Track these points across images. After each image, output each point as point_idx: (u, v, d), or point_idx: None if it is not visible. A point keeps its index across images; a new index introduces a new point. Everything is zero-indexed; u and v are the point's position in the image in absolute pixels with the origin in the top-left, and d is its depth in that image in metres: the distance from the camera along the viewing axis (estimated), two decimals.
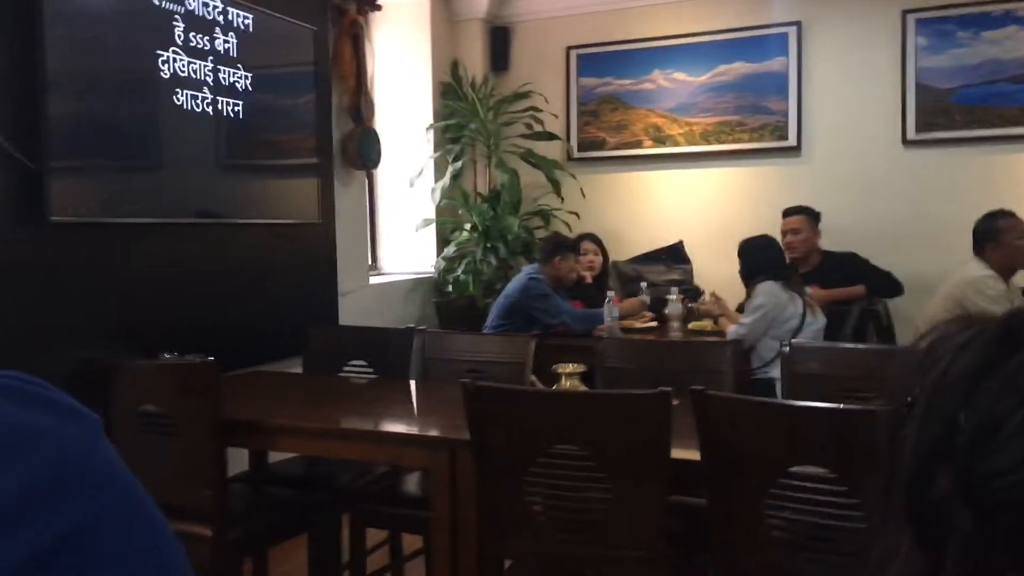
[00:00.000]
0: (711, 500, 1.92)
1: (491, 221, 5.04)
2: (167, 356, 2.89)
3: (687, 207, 5.25)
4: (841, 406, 1.69)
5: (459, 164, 5.12)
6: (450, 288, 5.07)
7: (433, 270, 5.18)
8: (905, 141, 4.66)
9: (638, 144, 5.32)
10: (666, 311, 4.12)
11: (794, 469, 1.76)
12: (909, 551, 0.42)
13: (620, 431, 1.89)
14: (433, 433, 2.36)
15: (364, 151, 4.39)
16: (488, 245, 5.04)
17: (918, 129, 4.63)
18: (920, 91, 4.61)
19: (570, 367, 2.39)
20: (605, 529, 1.94)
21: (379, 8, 4.56)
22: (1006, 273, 3.53)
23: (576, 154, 5.43)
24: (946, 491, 0.38)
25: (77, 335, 2.83)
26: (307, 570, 2.87)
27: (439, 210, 5.20)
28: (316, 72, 4.03)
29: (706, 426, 1.84)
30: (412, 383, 3.09)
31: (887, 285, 4.19)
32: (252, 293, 3.71)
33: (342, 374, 3.27)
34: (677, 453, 1.91)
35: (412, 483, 2.88)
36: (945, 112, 4.57)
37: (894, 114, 4.68)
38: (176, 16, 3.24)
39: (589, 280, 4.77)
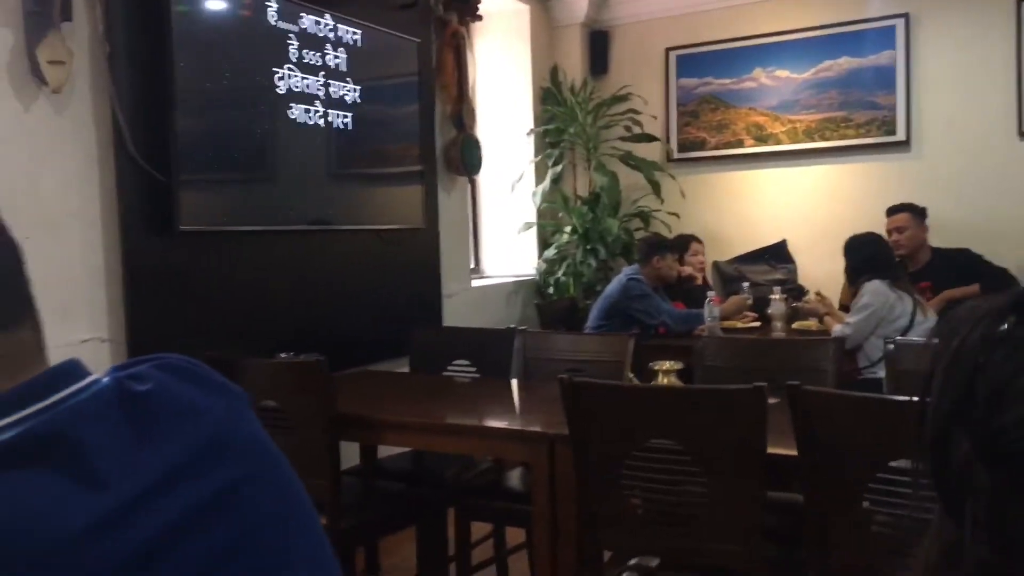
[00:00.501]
0: (808, 496, 1.93)
1: (591, 223, 5.10)
2: (283, 355, 3.08)
3: (790, 206, 5.17)
4: None
5: (559, 168, 5.20)
6: (551, 290, 5.15)
7: (534, 272, 5.27)
8: (1021, 133, 4.48)
9: (739, 143, 5.28)
10: (769, 311, 4.09)
11: (894, 464, 1.76)
12: (940, 521, 0.46)
13: (716, 427, 1.93)
14: (534, 428, 2.44)
15: (466, 157, 4.53)
16: (588, 247, 5.10)
17: None
18: None
19: (667, 364, 2.43)
20: (701, 523, 1.97)
21: (480, 18, 4.69)
22: None
23: (676, 155, 5.43)
24: (966, 454, 0.43)
25: (203, 333, 3.04)
26: (415, 561, 3.00)
27: (540, 213, 5.29)
28: (420, 83, 4.18)
29: (803, 422, 1.85)
30: (514, 382, 3.18)
31: (1002, 282, 4.03)
32: (361, 296, 3.88)
33: (446, 373, 3.39)
34: (774, 449, 1.94)
35: (515, 478, 2.97)
36: None
37: (1009, 106, 4.49)
38: (291, 35, 3.43)
39: (700, 281, 4.77)
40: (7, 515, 0.57)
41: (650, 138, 5.19)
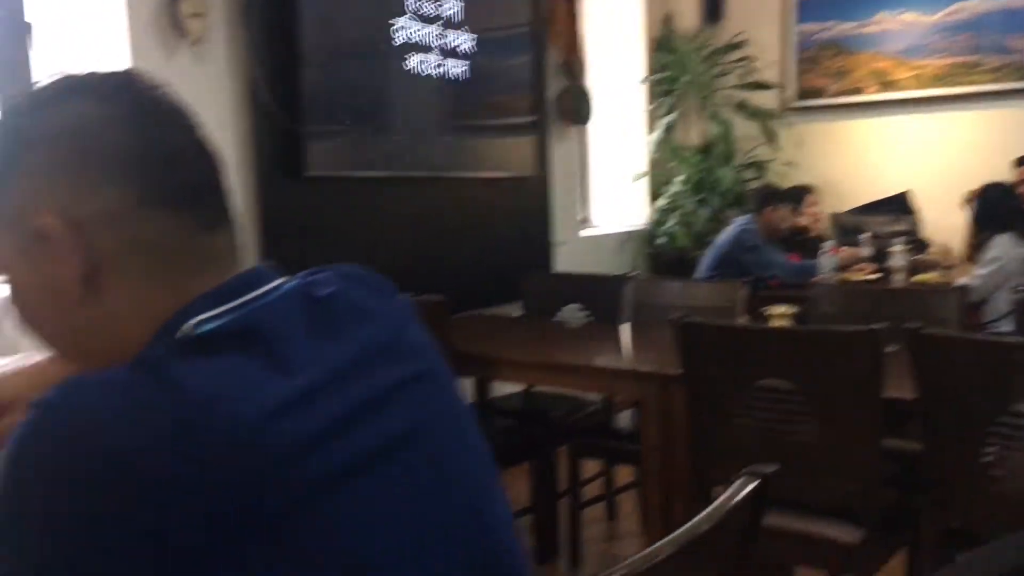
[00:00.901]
0: (927, 443, 1.92)
1: (703, 173, 5.04)
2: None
3: (913, 155, 4.98)
4: None
5: (671, 117, 5.15)
6: (661, 240, 5.14)
7: (644, 223, 5.27)
8: None
9: (861, 90, 5.10)
10: (889, 263, 3.98)
11: (1019, 408, 1.73)
12: None
13: (829, 368, 1.93)
14: (646, 368, 2.49)
15: (577, 107, 4.54)
16: (700, 197, 5.06)
17: None
18: None
19: (781, 309, 2.44)
20: (815, 463, 1.99)
21: None
22: None
23: (793, 103, 5.29)
24: None
25: None
26: (527, 497, 3.11)
27: (651, 164, 5.27)
28: (533, 32, 4.21)
29: (922, 366, 1.84)
30: (625, 326, 3.22)
31: None
32: (475, 243, 3.98)
33: (557, 318, 3.46)
34: (891, 394, 1.93)
35: (624, 419, 3.04)
36: None
37: None
38: None
39: (815, 232, 4.68)
40: (214, 390, 0.66)
41: (766, 86, 5.08)
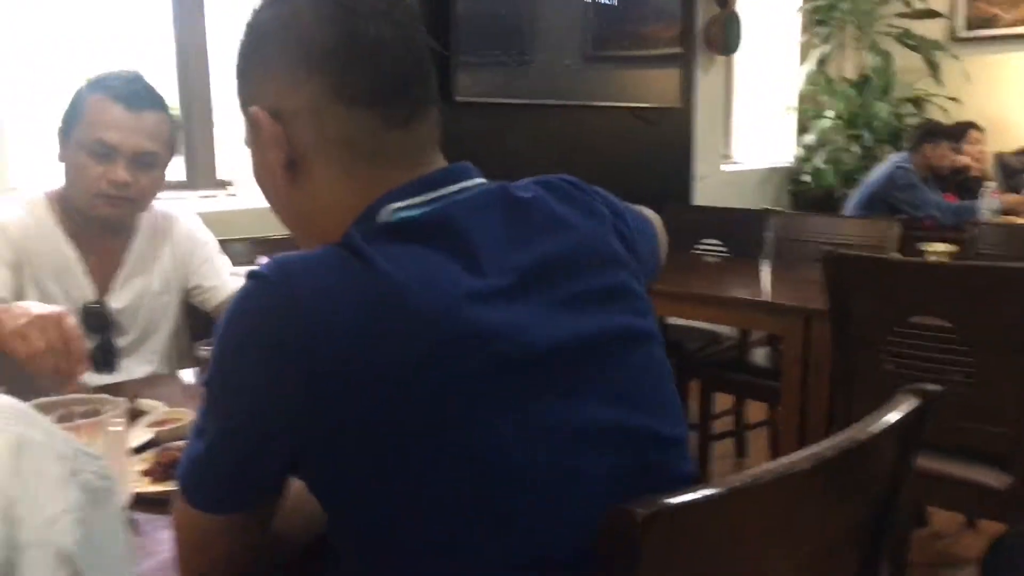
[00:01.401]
0: None
1: (857, 108, 4.80)
2: None
3: None
4: None
5: (827, 48, 4.90)
6: (807, 178, 4.95)
7: (790, 160, 5.08)
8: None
9: None
10: None
11: None
12: None
13: (987, 307, 1.85)
14: (788, 302, 2.44)
15: (726, 36, 4.38)
16: (852, 133, 4.82)
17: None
18: None
19: (940, 247, 2.33)
20: (965, 404, 1.92)
21: None
22: None
23: (961, 33, 4.93)
24: None
25: None
26: None
27: (801, 97, 5.05)
28: None
29: None
30: (765, 263, 3.16)
31: None
32: (615, 172, 3.95)
33: (695, 251, 3.42)
34: None
35: (759, 355, 3.00)
36: None
37: None
38: None
39: (978, 173, 4.40)
40: (409, 274, 0.70)
41: (932, 14, 4.75)
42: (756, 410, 3.20)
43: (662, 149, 4.21)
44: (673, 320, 3.33)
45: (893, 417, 0.84)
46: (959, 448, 1.96)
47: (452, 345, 0.69)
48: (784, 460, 0.73)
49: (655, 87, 4.10)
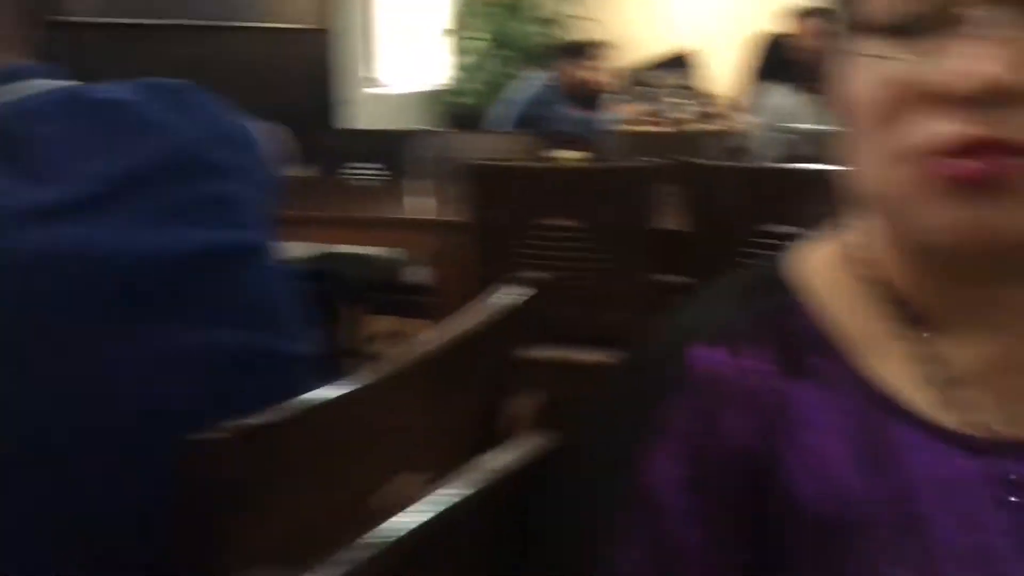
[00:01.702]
0: (690, 272, 2.00)
1: (505, 28, 4.93)
2: None
3: (702, 13, 5.10)
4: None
5: None
6: (464, 99, 5.02)
7: (445, 82, 5.12)
8: None
9: None
10: (674, 114, 4.12)
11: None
12: None
13: (609, 203, 1.97)
14: (439, 217, 2.44)
15: None
16: (503, 54, 4.95)
17: None
18: None
19: (569, 154, 2.45)
20: (593, 296, 2.04)
21: None
22: None
23: None
24: None
25: None
26: None
27: (450, 19, 5.08)
28: None
29: (690, 195, 1.90)
30: (420, 181, 3.14)
31: None
32: (249, 99, 3.72)
33: (342, 175, 3.32)
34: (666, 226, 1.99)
35: (419, 274, 3.01)
36: None
37: None
38: None
39: (611, 88, 4.71)
40: None
41: None
42: (423, 326, 3.22)
43: (306, 73, 4.03)
44: (327, 247, 3.23)
45: (501, 304, 0.82)
46: (591, 338, 2.08)
47: (8, 272, 0.61)
48: (392, 358, 0.69)
49: (292, 6, 3.89)
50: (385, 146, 3.34)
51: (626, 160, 2.78)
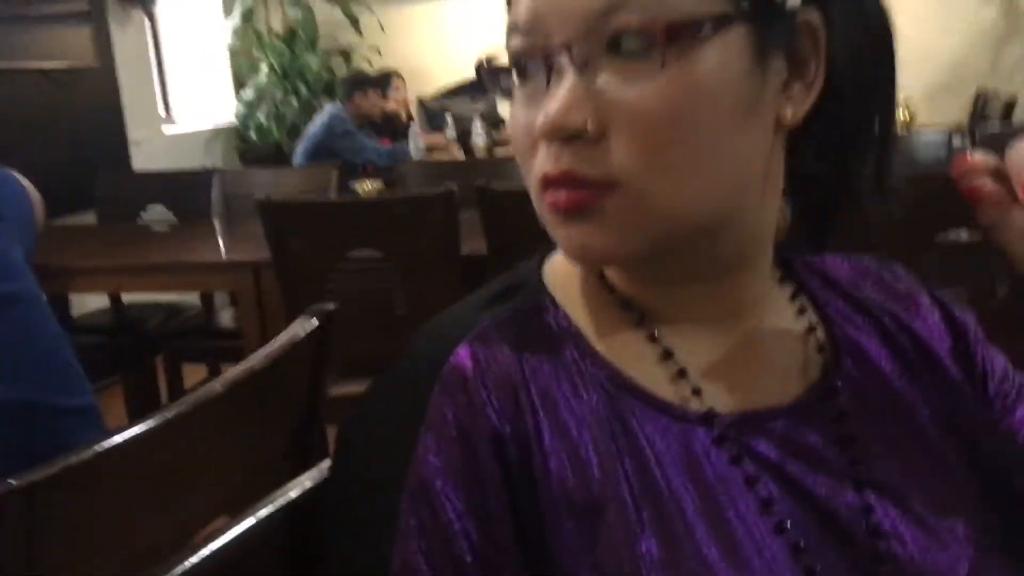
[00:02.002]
0: None
1: (289, 61, 4.88)
2: None
3: (485, 35, 5.25)
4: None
5: (249, 2, 4.88)
6: (253, 135, 4.93)
7: (233, 118, 5.00)
8: None
9: None
10: (472, 142, 4.22)
11: None
12: None
13: (410, 232, 2.00)
14: (236, 258, 2.38)
15: None
16: (288, 86, 4.90)
17: None
18: None
19: (368, 184, 2.46)
20: (410, 325, 2.07)
21: None
22: None
23: None
24: None
25: None
26: (127, 416, 2.88)
27: (232, 52, 4.97)
28: None
29: (487, 220, 1.97)
30: (216, 221, 3.05)
31: None
32: (30, 144, 3.48)
33: (140, 221, 3.18)
34: (469, 251, 2.05)
35: (225, 317, 2.92)
36: None
37: None
38: None
39: (405, 117, 4.77)
40: None
41: None
42: None
43: (87, 114, 3.81)
44: (128, 296, 3.07)
45: (295, 337, 0.83)
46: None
47: None
48: (180, 403, 0.68)
49: (66, 45, 3.67)
50: (178, 187, 3.22)
51: (425, 188, 2.84)
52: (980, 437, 0.57)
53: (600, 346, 0.53)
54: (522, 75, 0.50)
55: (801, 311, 0.58)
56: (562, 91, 0.46)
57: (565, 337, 0.53)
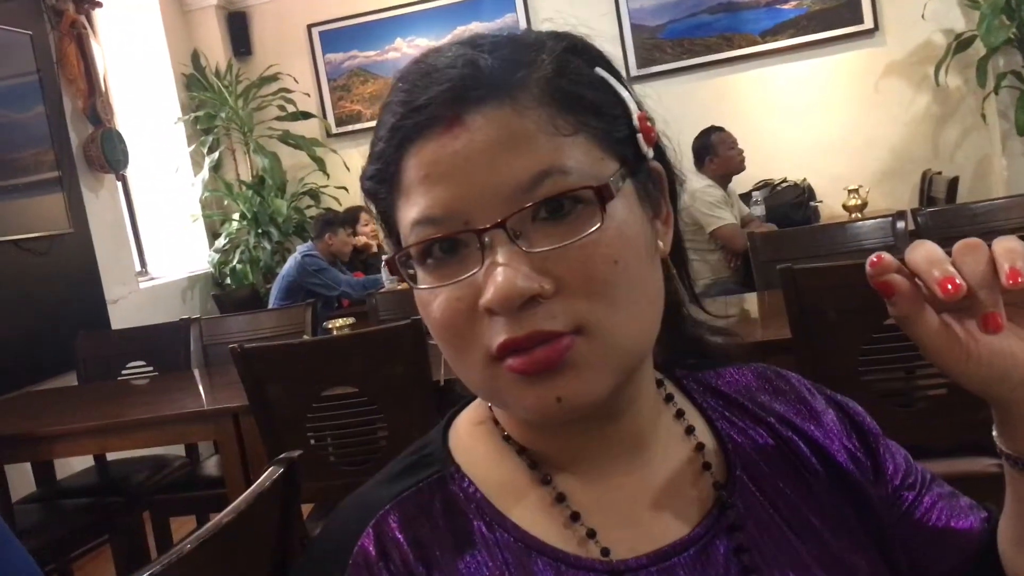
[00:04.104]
0: None
1: (259, 207, 5.04)
2: None
3: None
4: None
5: (215, 155, 5.07)
6: (228, 281, 5.03)
7: (207, 266, 5.11)
8: (630, 78, 5.09)
9: None
10: None
11: None
12: None
13: (382, 364, 2.06)
14: (215, 406, 2.42)
15: (109, 153, 4.25)
16: (260, 231, 5.04)
17: (639, 65, 5.08)
18: (635, 31, 5.05)
19: (339, 322, 2.53)
20: (393, 455, 2.10)
21: (100, 5, 4.40)
22: (723, 181, 3.99)
23: (335, 130, 5.50)
24: None
25: None
26: (116, 574, 2.85)
27: (204, 204, 5.13)
28: (42, 80, 3.87)
29: None
30: (195, 371, 3.10)
31: None
32: (10, 312, 3.55)
33: (121, 378, 3.22)
34: (440, 375, 2.10)
35: (210, 465, 2.92)
36: (658, 48, 5.05)
37: (617, 54, 5.08)
38: None
39: (376, 248, 4.89)
40: None
41: (306, 115, 5.22)
42: None
43: (64, 279, 3.90)
44: (113, 455, 3.08)
45: (261, 487, 0.88)
46: None
47: None
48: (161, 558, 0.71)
49: (39, 215, 3.79)
50: (156, 341, 3.28)
51: (396, 318, 2.91)
52: (885, 530, 0.60)
53: (505, 506, 0.56)
54: (437, 259, 0.51)
55: (688, 430, 0.62)
56: (505, 262, 0.48)
57: (470, 506, 0.56)
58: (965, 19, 4.68)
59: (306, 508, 2.36)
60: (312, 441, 2.15)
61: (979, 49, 4.40)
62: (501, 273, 0.48)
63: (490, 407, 0.61)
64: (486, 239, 0.49)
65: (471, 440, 0.61)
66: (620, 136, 0.55)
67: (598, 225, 0.50)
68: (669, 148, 0.60)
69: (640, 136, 0.56)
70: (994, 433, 0.54)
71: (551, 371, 0.49)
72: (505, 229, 0.49)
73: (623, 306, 0.50)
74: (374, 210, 0.58)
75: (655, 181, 0.57)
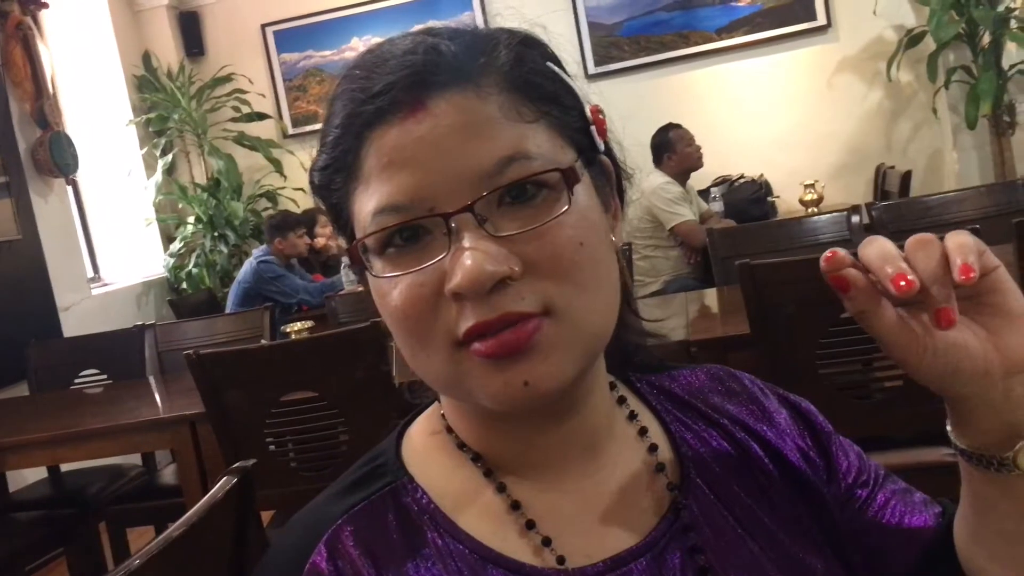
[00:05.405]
0: None
1: (215, 210, 4.96)
2: None
3: None
4: None
5: (169, 157, 4.98)
6: (184, 285, 4.94)
7: (163, 270, 5.02)
8: (588, 76, 5.12)
9: None
10: None
11: None
12: None
13: (342, 367, 2.03)
14: (171, 414, 2.37)
15: (57, 157, 4.15)
16: (216, 234, 4.96)
17: (596, 63, 5.10)
18: (592, 28, 5.07)
19: (298, 325, 2.49)
20: (350, 463, 2.07)
21: (46, 6, 4.30)
22: (682, 178, 4.01)
23: (291, 131, 5.44)
24: None
25: None
26: None
27: (158, 207, 5.04)
28: None
29: None
30: (151, 379, 3.04)
31: None
32: None
33: (74, 387, 3.15)
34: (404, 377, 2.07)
35: (168, 474, 2.87)
36: (615, 45, 5.07)
37: (574, 53, 5.09)
38: None
39: (335, 250, 4.84)
40: None
41: (261, 116, 5.15)
42: None
43: (13, 286, 3.80)
44: (68, 466, 3.01)
45: (214, 499, 0.85)
46: None
47: None
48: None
49: None
50: (110, 348, 3.21)
51: (354, 321, 2.87)
52: (839, 529, 0.60)
53: (459, 516, 0.55)
54: (398, 247, 0.51)
55: (642, 432, 0.61)
56: (472, 246, 0.48)
57: (423, 518, 0.55)
58: (916, 15, 4.76)
59: (266, 516, 2.32)
60: (272, 447, 2.12)
61: (929, 44, 4.48)
62: (470, 256, 0.48)
63: (443, 415, 0.60)
64: (452, 224, 0.49)
65: (425, 450, 0.60)
66: (576, 127, 0.55)
67: (566, 208, 0.50)
68: (616, 145, 0.60)
69: (593, 128, 0.56)
70: (948, 428, 0.54)
71: (518, 354, 0.49)
72: (473, 213, 0.49)
73: (589, 288, 0.51)
74: (323, 204, 0.58)
75: (606, 175, 0.58)
